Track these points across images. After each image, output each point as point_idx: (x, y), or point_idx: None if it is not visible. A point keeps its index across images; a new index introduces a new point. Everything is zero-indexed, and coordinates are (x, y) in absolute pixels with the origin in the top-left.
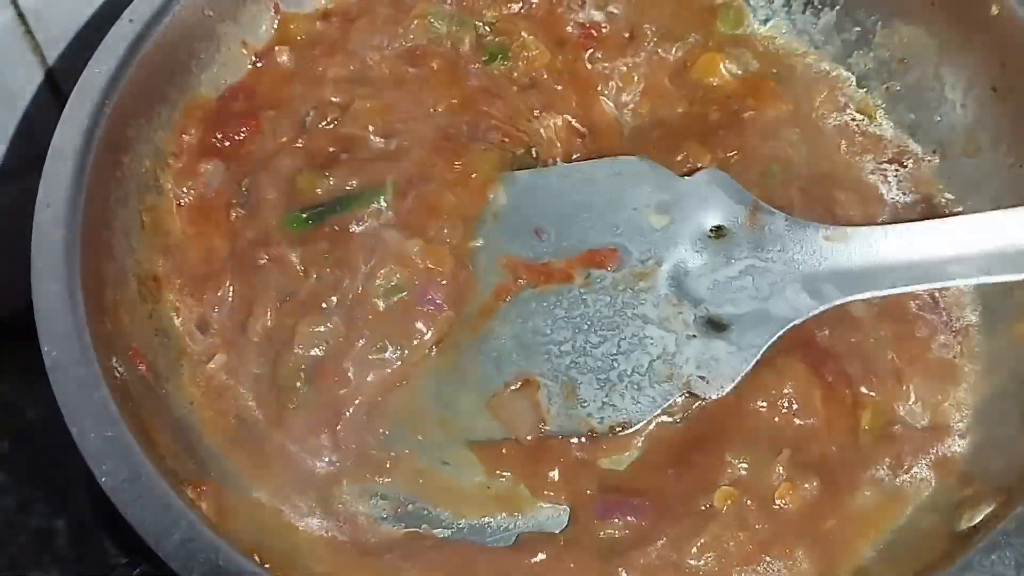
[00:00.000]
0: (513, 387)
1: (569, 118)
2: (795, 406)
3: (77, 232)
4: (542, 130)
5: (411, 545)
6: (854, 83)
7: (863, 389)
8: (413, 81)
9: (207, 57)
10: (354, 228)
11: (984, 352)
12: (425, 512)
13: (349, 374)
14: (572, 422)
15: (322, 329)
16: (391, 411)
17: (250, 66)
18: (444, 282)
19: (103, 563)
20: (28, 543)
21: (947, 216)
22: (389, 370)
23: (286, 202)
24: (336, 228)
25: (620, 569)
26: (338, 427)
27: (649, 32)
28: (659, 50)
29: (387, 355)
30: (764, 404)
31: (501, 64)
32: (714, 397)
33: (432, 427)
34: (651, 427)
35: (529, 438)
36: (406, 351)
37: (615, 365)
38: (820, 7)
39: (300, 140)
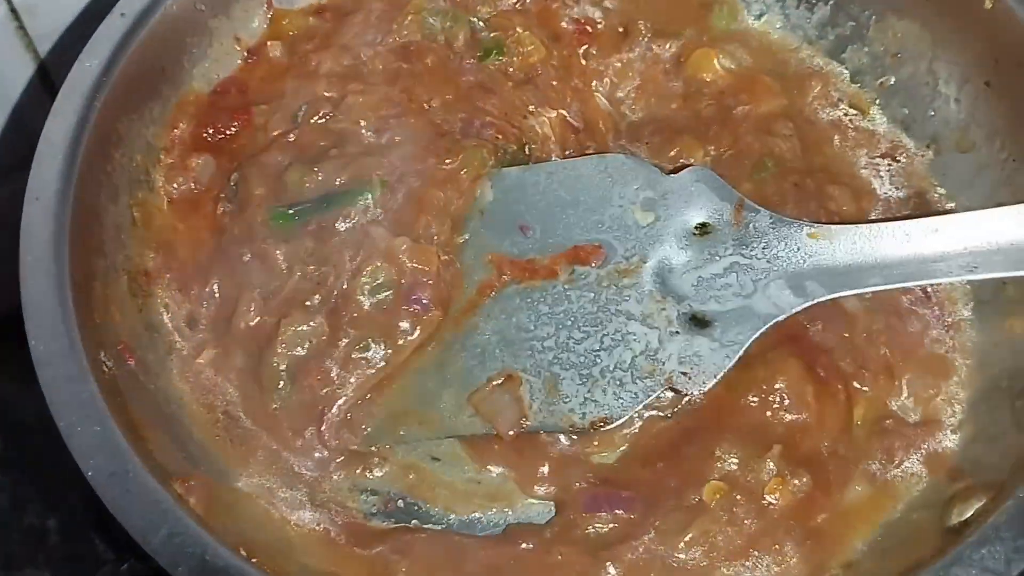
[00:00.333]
0: (496, 383)
1: (564, 113)
2: (787, 401)
3: (66, 227)
4: (537, 126)
5: (401, 537)
6: (848, 78)
7: (856, 384)
8: (407, 76)
9: (199, 52)
10: (341, 225)
11: (976, 347)
12: (415, 508)
13: (332, 374)
14: (554, 418)
15: (305, 328)
16: (374, 408)
17: (242, 61)
18: (430, 282)
19: (95, 560)
20: (22, 541)
21: (939, 211)
22: (373, 370)
23: (274, 198)
24: (322, 225)
25: (608, 563)
26: (322, 426)
27: (643, 28)
28: (653, 46)
29: (371, 355)
30: (756, 399)
31: (496, 60)
32: (696, 393)
33: (415, 423)
34: (641, 421)
35: (511, 433)
36: (391, 351)
37: (598, 361)
38: (814, 2)
39: (292, 135)
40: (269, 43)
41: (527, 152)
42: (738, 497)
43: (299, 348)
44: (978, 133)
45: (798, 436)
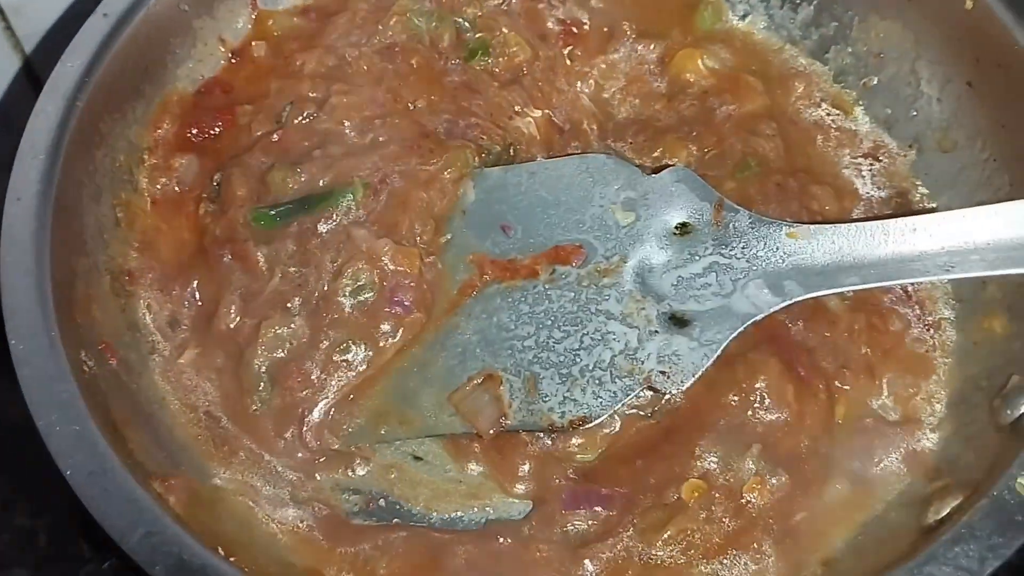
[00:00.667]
0: (476, 382)
1: (549, 114)
2: (767, 400)
3: (48, 227)
4: (522, 126)
5: (382, 535)
6: (831, 78)
7: (837, 383)
8: (392, 77)
9: (182, 52)
10: (323, 227)
11: (956, 346)
12: (397, 507)
13: (313, 376)
14: (533, 416)
15: (285, 330)
16: (356, 408)
17: (226, 61)
18: (412, 284)
19: (81, 560)
20: (11, 542)
21: (921, 211)
22: (354, 372)
23: (256, 198)
24: (304, 227)
25: (586, 559)
26: (303, 428)
27: (628, 28)
28: (638, 46)
29: (352, 357)
30: (736, 398)
31: (482, 60)
32: (674, 392)
33: (395, 422)
34: (621, 420)
35: (491, 432)
36: (372, 353)
37: (577, 360)
38: (798, 2)
39: (275, 135)
40: (253, 43)
41: (512, 153)
42: (717, 496)
43: (280, 350)
44: (960, 133)
45: (778, 435)
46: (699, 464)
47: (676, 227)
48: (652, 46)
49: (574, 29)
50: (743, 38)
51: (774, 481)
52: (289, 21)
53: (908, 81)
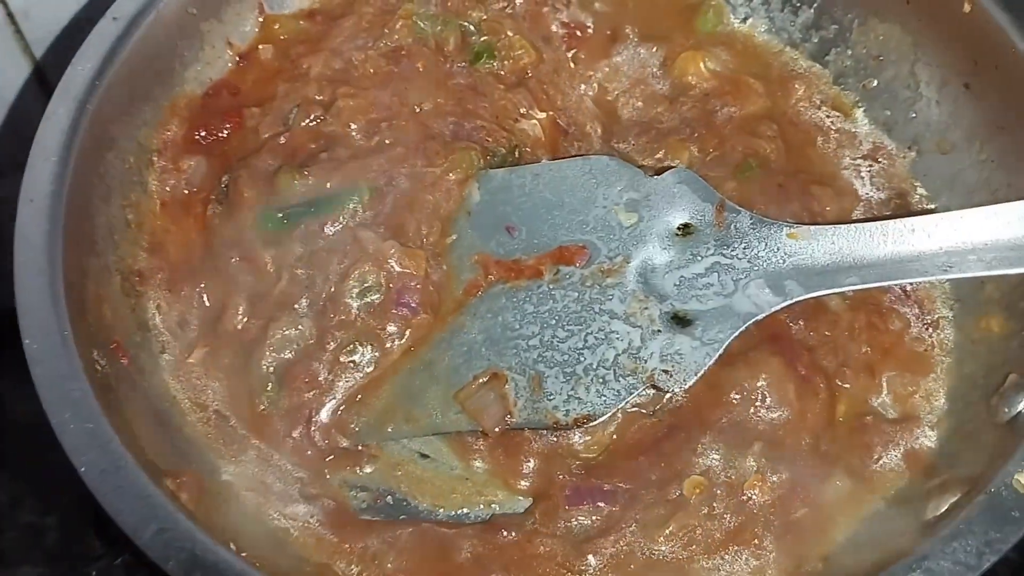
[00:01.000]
0: (481, 380)
1: (554, 116)
2: (768, 399)
3: (60, 227)
4: (528, 129)
5: (390, 530)
6: (831, 80)
7: (837, 381)
8: (398, 80)
9: (191, 55)
10: (329, 229)
11: (955, 345)
12: (404, 503)
13: (320, 377)
14: (538, 415)
15: (293, 332)
16: (363, 407)
17: (234, 64)
18: (419, 285)
19: (89, 557)
20: (20, 538)
21: (920, 212)
22: (361, 373)
23: (264, 200)
24: (311, 229)
25: (589, 555)
26: (311, 428)
27: (631, 32)
28: (641, 49)
29: (358, 358)
30: (738, 397)
31: (487, 63)
32: (677, 391)
33: (402, 421)
34: (625, 417)
35: (496, 430)
36: (379, 354)
37: (581, 359)
38: (798, 5)
39: (282, 137)
40: (260, 46)
41: (517, 155)
42: (718, 492)
43: (287, 351)
44: (958, 135)
45: (779, 433)
46: (701, 461)
47: (678, 228)
48: (655, 49)
49: (578, 32)
50: (744, 41)
51: (775, 478)
52: (295, 24)
53: (907, 83)
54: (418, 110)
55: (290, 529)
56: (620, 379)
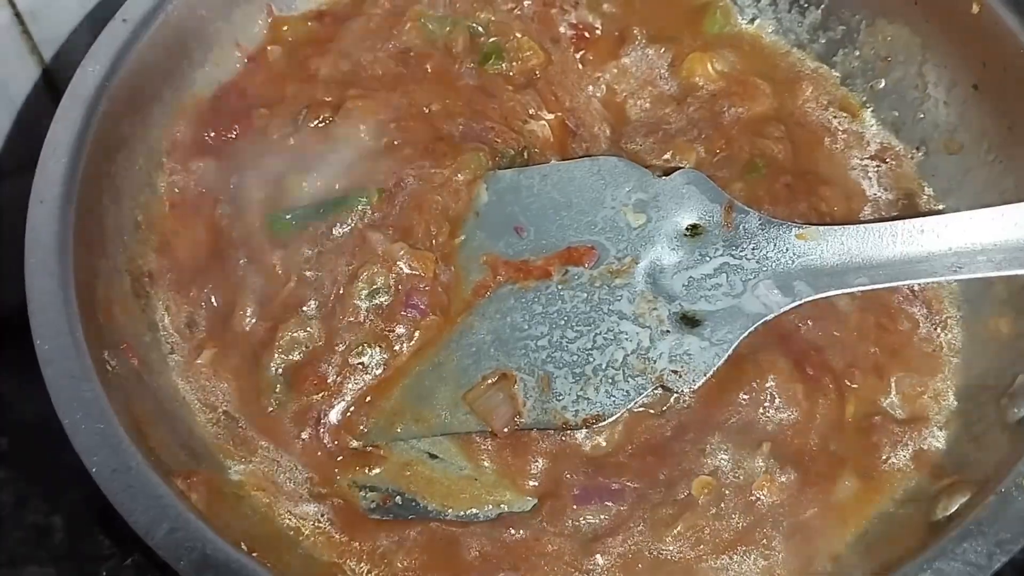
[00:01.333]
0: (490, 381)
1: (563, 117)
2: (777, 399)
3: (70, 229)
4: (536, 130)
5: (399, 529)
6: (838, 81)
7: (846, 382)
8: (407, 81)
9: (200, 57)
10: (338, 231)
11: (964, 345)
12: (413, 503)
13: (328, 379)
14: (547, 415)
15: (301, 334)
16: (372, 408)
17: (242, 65)
18: (427, 287)
19: (97, 556)
20: (26, 538)
21: (928, 212)
22: (370, 375)
23: (272, 203)
24: (320, 231)
25: (597, 553)
26: (320, 429)
27: (639, 33)
28: (648, 50)
29: (367, 360)
30: (746, 397)
31: (496, 65)
32: (686, 391)
33: (411, 421)
34: (634, 417)
35: (505, 431)
36: (388, 355)
37: (590, 360)
38: (806, 6)
39: (292, 139)
40: (269, 48)
41: (526, 156)
42: (726, 492)
43: (295, 353)
44: (966, 135)
45: (788, 433)
46: (709, 461)
47: (687, 228)
48: (662, 50)
49: (586, 34)
50: (752, 42)
51: (783, 479)
52: (304, 26)
53: (915, 84)
54: (427, 111)
55: (300, 528)
56: (629, 379)
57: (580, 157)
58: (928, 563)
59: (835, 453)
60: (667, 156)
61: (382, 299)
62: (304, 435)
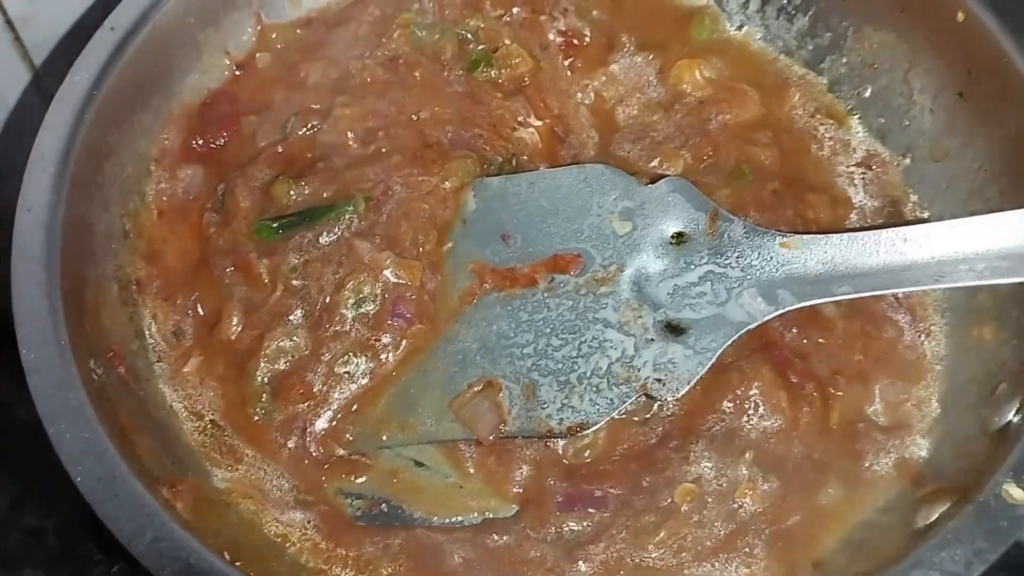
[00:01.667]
0: (476, 389)
1: (551, 124)
2: (761, 407)
3: (58, 237)
4: (525, 137)
5: (384, 536)
6: (825, 88)
7: (830, 389)
8: (395, 89)
9: (188, 64)
10: (324, 239)
11: (947, 353)
12: (399, 511)
13: (315, 388)
14: (532, 423)
15: (287, 343)
16: (358, 417)
17: (231, 73)
18: (414, 296)
19: (90, 560)
20: (21, 541)
21: (913, 220)
22: (356, 384)
23: (260, 210)
24: (306, 239)
25: (579, 560)
26: (306, 438)
27: (627, 40)
28: (637, 57)
29: (353, 368)
30: (730, 405)
31: (484, 72)
32: (670, 399)
33: (397, 429)
34: (617, 424)
35: (491, 439)
36: (374, 364)
37: (575, 368)
38: (793, 13)
39: (280, 147)
40: (258, 55)
41: (514, 163)
42: (709, 500)
43: (281, 362)
44: (951, 143)
45: (772, 441)
46: (692, 469)
47: (672, 237)
48: (651, 57)
49: (575, 41)
50: (739, 49)
51: (766, 486)
52: (293, 33)
53: (901, 91)
54: (415, 118)
55: (287, 535)
56: (613, 387)
57: (568, 164)
58: (906, 571)
59: (818, 461)
60: (655, 163)
61: (369, 308)
62: (290, 444)
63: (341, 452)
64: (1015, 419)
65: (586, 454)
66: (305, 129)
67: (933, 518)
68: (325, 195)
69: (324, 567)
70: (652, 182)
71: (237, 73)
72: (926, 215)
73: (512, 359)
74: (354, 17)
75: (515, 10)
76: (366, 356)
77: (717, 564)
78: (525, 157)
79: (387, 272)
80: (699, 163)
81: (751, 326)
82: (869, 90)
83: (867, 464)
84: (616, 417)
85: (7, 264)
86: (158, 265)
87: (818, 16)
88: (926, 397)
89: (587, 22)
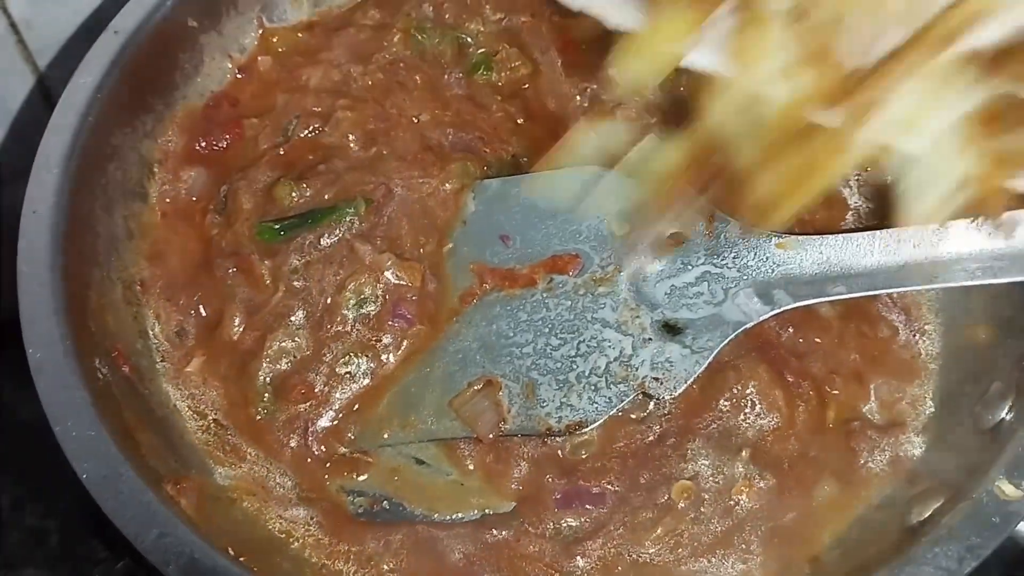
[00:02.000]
0: (476, 388)
1: (551, 126)
2: (757, 406)
3: (62, 238)
4: (525, 140)
5: (386, 533)
6: None
7: (827, 388)
8: (396, 92)
9: (191, 67)
10: (326, 241)
11: (941, 352)
12: (400, 508)
13: (316, 388)
14: (531, 421)
15: (289, 344)
16: (359, 416)
17: (233, 76)
18: (415, 297)
19: (92, 560)
20: (23, 541)
21: None
22: (358, 384)
23: (262, 211)
24: (308, 240)
25: (577, 556)
26: (308, 438)
27: None
28: None
29: (354, 369)
30: (727, 403)
31: (484, 75)
32: (667, 397)
33: (398, 427)
34: (615, 422)
35: (490, 436)
36: (375, 365)
37: (574, 367)
38: None
39: (282, 149)
40: (260, 58)
41: (515, 165)
42: (706, 497)
43: (283, 362)
44: None
45: (768, 439)
46: (690, 466)
47: (669, 237)
48: None
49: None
50: None
51: (762, 484)
52: (294, 37)
53: None
54: (415, 121)
55: (290, 532)
56: (612, 386)
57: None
58: (900, 567)
59: (814, 458)
60: None
61: (370, 309)
62: (292, 443)
63: (343, 450)
64: (1008, 417)
65: (583, 452)
66: (307, 131)
67: (927, 515)
68: (326, 197)
69: (327, 562)
70: None
71: (239, 76)
72: None
73: (512, 358)
74: (355, 22)
75: (514, 15)
76: (367, 356)
77: (714, 560)
78: (524, 159)
79: (388, 274)
80: None
81: (747, 326)
82: None
83: (862, 462)
84: (614, 415)
85: (12, 265)
86: (161, 266)
87: None
88: (920, 396)
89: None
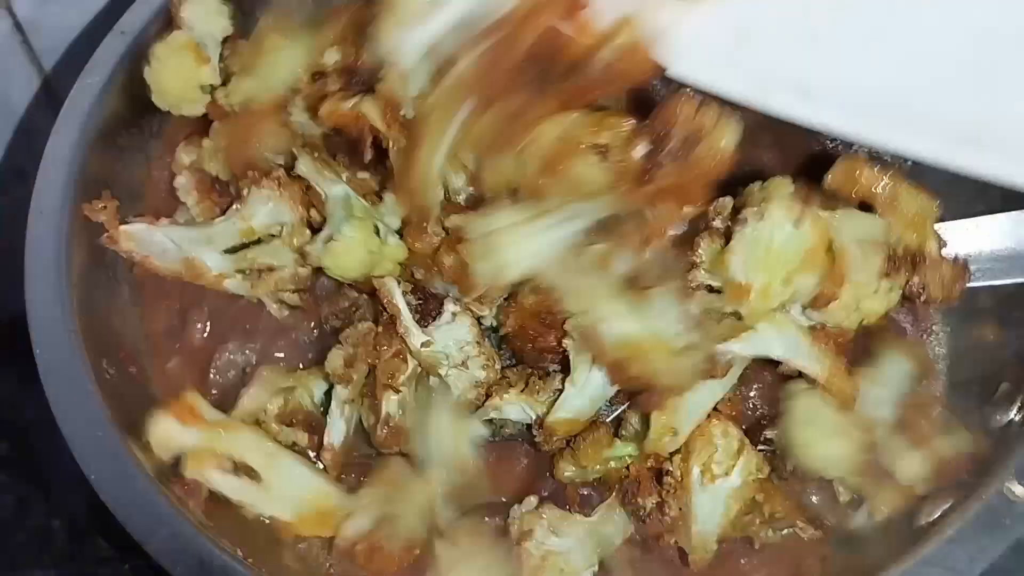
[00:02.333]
0: None
1: None
2: (760, 409)
3: (69, 239)
4: None
5: None
6: None
7: None
8: None
9: None
10: None
11: (949, 353)
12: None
13: None
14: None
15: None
16: None
17: None
18: None
19: (97, 560)
20: (27, 541)
21: None
22: None
23: None
24: None
25: None
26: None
27: None
28: None
29: None
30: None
31: None
32: None
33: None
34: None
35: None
36: None
37: None
38: None
39: None
40: None
41: None
42: None
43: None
44: None
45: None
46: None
47: None
48: None
49: None
50: None
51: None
52: None
53: None
54: None
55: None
56: None
57: None
58: (910, 568)
59: None
60: None
61: None
62: None
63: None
64: (1016, 418)
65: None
66: None
67: (935, 516)
68: None
69: (335, 563)
70: None
71: None
72: None
73: None
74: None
75: None
76: None
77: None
78: None
79: None
80: None
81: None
82: None
83: None
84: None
85: (19, 266)
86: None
87: None
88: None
89: None
